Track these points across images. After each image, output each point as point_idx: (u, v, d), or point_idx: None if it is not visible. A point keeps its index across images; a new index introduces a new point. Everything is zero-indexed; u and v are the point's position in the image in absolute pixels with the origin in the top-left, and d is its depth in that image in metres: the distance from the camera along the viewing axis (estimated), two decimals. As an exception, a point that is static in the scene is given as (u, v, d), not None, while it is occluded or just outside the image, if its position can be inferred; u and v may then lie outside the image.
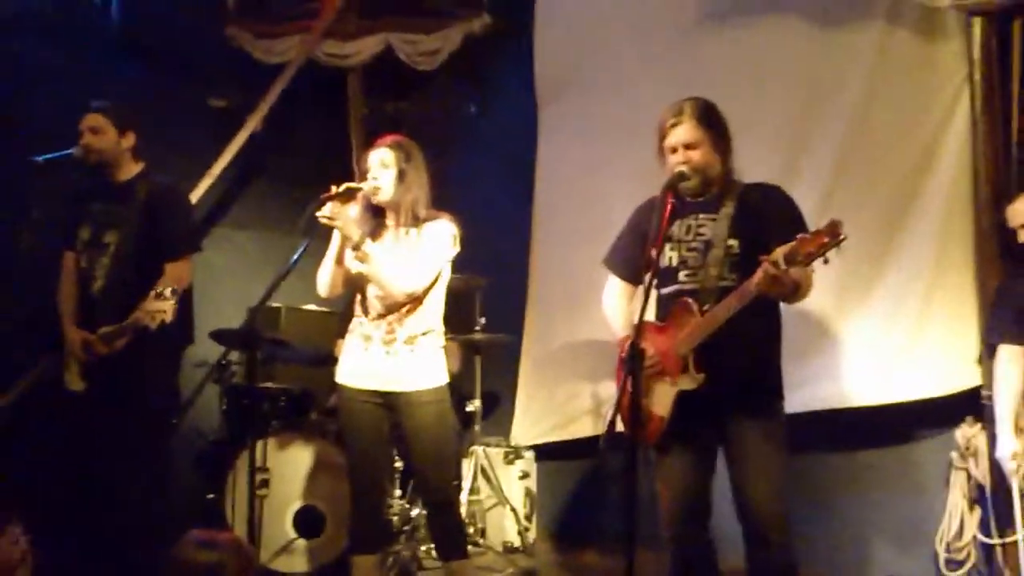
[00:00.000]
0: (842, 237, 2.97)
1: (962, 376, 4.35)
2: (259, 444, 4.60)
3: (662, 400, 3.39)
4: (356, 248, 3.72)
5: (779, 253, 3.07)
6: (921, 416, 4.48)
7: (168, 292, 3.71)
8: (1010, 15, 4.31)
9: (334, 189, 3.67)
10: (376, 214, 3.91)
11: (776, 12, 4.88)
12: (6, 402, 4.61)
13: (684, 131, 3.42)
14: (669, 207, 3.33)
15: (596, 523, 5.24)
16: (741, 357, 3.34)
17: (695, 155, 3.43)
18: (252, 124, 5.88)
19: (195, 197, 5.60)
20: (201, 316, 4.51)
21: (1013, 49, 4.32)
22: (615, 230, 3.80)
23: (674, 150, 3.44)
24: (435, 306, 3.92)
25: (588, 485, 5.41)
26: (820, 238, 2.99)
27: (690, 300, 3.37)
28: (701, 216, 3.47)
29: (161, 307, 3.67)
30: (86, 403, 4.13)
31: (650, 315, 3.43)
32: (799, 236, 3.04)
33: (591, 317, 4.93)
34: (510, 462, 5.25)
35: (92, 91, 4.40)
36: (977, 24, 4.32)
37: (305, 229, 3.58)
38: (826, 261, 3.01)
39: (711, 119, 3.48)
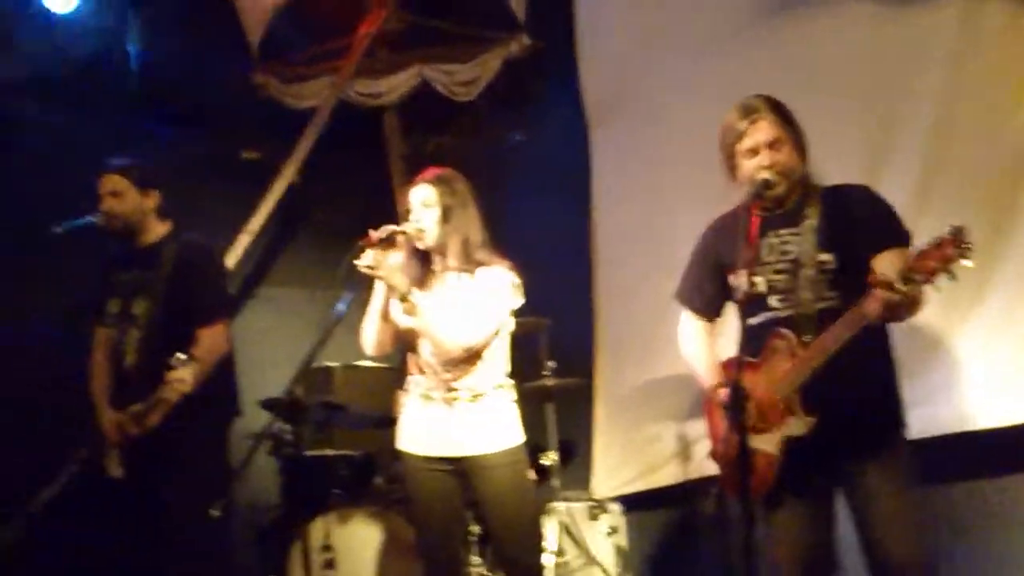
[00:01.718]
0: (967, 245, 2.54)
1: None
2: (320, 520, 4.29)
3: (765, 448, 2.95)
4: (403, 300, 3.35)
5: (893, 272, 2.64)
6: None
7: (183, 359, 3.47)
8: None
9: (373, 235, 3.31)
10: (424, 259, 3.54)
11: (836, -2, 4.45)
12: (45, 498, 4.31)
13: (765, 128, 3.01)
14: (756, 221, 2.89)
15: (697, 576, 4.83)
16: (854, 389, 2.89)
17: (780, 156, 3.01)
18: (288, 175, 5.67)
19: (234, 256, 5.39)
20: (250, 383, 4.24)
21: None
22: (682, 256, 3.41)
23: (754, 152, 3.02)
24: (498, 359, 3.53)
25: (684, 536, 4.99)
26: (943, 249, 2.56)
27: (786, 331, 2.95)
28: (783, 232, 3.06)
29: (179, 376, 3.44)
30: (127, 490, 3.84)
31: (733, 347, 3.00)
32: (917, 250, 2.60)
33: (666, 352, 4.56)
34: (595, 517, 4.81)
35: (115, 153, 4.14)
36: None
37: (345, 281, 3.20)
38: (952, 276, 2.58)
39: (787, 114, 3.08)
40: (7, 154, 4.97)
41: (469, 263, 3.46)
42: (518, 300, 3.51)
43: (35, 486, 4.54)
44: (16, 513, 4.04)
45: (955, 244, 2.53)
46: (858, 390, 2.91)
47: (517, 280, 3.50)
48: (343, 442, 5.00)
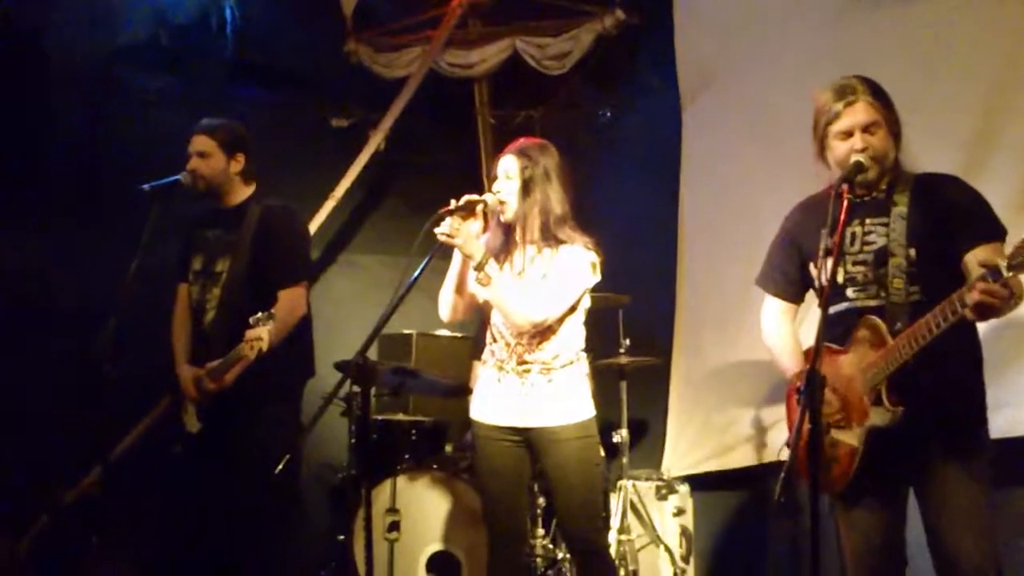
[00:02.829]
0: None
1: None
2: (388, 483, 4.33)
3: (847, 440, 2.87)
4: (477, 269, 3.32)
5: (997, 258, 2.51)
6: None
7: (262, 318, 3.50)
8: None
9: (453, 203, 3.29)
10: (509, 231, 3.50)
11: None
12: (123, 449, 4.42)
13: (861, 110, 2.89)
14: (846, 205, 2.79)
15: (760, 564, 4.77)
16: (939, 382, 2.79)
17: (875, 140, 2.89)
18: (375, 142, 5.68)
19: (318, 221, 5.43)
20: (331, 346, 4.28)
21: None
22: (768, 239, 3.32)
23: (848, 135, 2.90)
24: (573, 334, 3.48)
25: (751, 520, 4.92)
26: None
27: (875, 319, 2.84)
28: (868, 221, 2.95)
29: (257, 335, 3.49)
30: (203, 445, 3.89)
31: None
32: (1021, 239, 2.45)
33: (747, 335, 4.50)
34: (663, 497, 4.80)
35: (209, 116, 4.18)
36: None
37: (421, 248, 3.19)
38: None
39: (885, 97, 2.95)
40: (110, 117, 5.09)
41: (549, 238, 3.41)
42: (595, 279, 3.46)
43: (114, 439, 4.70)
44: (95, 464, 4.15)
45: None
46: (943, 384, 2.81)
47: (596, 259, 3.44)
48: (419, 408, 5.04)
